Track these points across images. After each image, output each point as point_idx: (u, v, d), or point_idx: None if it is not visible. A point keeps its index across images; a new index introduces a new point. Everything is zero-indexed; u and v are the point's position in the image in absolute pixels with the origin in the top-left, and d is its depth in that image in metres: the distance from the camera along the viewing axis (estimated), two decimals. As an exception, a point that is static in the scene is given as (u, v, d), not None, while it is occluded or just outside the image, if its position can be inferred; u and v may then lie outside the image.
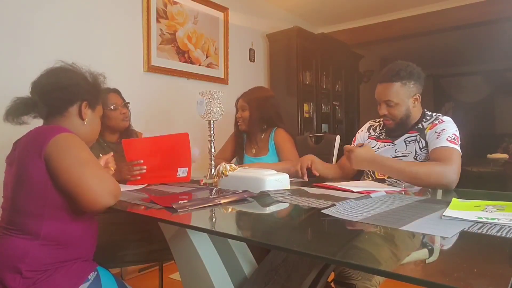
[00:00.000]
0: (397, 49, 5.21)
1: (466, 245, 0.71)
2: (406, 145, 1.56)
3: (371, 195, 1.13)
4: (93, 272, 1.08)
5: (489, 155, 4.32)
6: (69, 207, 1.06)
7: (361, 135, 1.78)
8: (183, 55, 2.88)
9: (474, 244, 0.71)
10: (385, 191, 1.21)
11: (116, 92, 1.85)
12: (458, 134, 1.47)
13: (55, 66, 1.18)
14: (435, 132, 1.47)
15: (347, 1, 3.78)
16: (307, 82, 3.79)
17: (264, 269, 1.23)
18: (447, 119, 1.52)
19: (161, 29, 2.70)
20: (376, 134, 1.70)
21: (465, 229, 0.75)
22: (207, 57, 3.09)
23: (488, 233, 0.72)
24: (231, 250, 1.26)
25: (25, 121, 1.14)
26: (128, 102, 1.87)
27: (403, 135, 1.58)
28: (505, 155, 4.29)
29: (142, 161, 1.55)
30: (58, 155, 1.01)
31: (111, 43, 2.42)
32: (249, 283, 1.23)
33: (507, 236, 0.70)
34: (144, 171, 1.54)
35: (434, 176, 1.31)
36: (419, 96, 1.55)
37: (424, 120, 1.56)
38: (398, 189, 1.29)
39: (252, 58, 3.60)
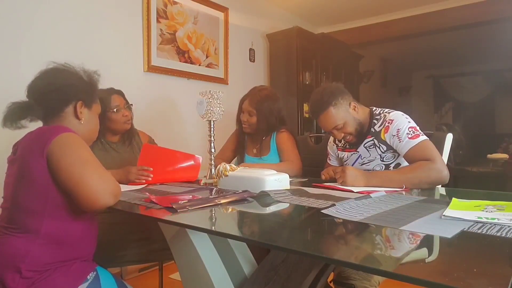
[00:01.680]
0: (397, 49, 5.22)
1: (466, 245, 0.71)
2: (368, 151, 1.58)
3: (371, 195, 1.13)
4: (92, 272, 1.08)
5: (489, 155, 4.32)
6: (69, 207, 1.06)
7: (331, 147, 1.80)
8: (183, 55, 2.88)
9: (474, 244, 0.70)
10: (385, 191, 1.22)
11: (119, 93, 1.84)
12: (413, 123, 1.47)
13: (48, 67, 1.18)
14: (393, 136, 1.47)
15: (347, 1, 3.78)
16: (307, 82, 3.78)
17: (264, 269, 1.23)
18: (394, 115, 1.52)
19: (161, 29, 2.70)
20: (342, 144, 1.72)
21: (465, 229, 0.75)
22: (207, 57, 3.09)
23: (488, 233, 0.72)
24: (231, 250, 1.26)
25: (23, 125, 1.14)
26: (131, 104, 1.87)
27: (362, 141, 1.59)
28: (505, 155, 4.28)
29: (151, 168, 1.57)
30: (60, 153, 1.01)
31: (111, 43, 2.42)
32: (249, 283, 1.23)
33: (507, 236, 0.70)
34: (150, 179, 1.57)
35: (424, 177, 1.33)
36: (354, 103, 1.57)
37: (374, 121, 1.57)
38: (398, 189, 1.29)
39: (252, 58, 3.60)
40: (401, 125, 1.47)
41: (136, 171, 1.55)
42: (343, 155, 1.70)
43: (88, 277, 1.06)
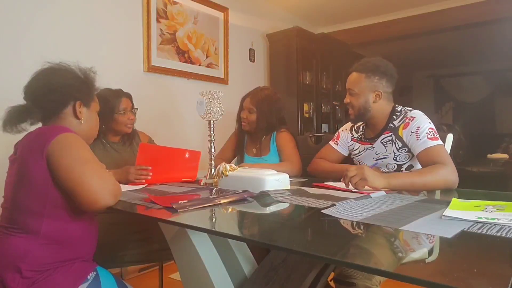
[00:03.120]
0: (397, 49, 5.21)
1: (466, 245, 0.71)
2: (385, 146, 1.56)
3: (371, 195, 1.13)
4: (92, 272, 1.08)
5: (489, 155, 4.32)
6: (69, 207, 1.06)
7: (345, 134, 1.76)
8: (183, 55, 2.88)
9: (474, 244, 0.70)
10: (385, 191, 1.21)
11: (128, 97, 1.86)
12: (433, 125, 1.46)
13: (43, 68, 1.17)
14: (412, 132, 1.46)
15: (347, 1, 3.78)
16: (307, 82, 3.78)
17: (264, 269, 1.23)
18: (416, 114, 1.51)
19: (161, 29, 2.70)
20: (358, 136, 1.70)
21: (465, 229, 0.75)
22: (207, 57, 3.09)
23: (488, 233, 0.72)
24: (231, 250, 1.27)
25: (23, 128, 1.13)
26: (137, 108, 1.88)
27: (379, 136, 1.57)
28: (505, 155, 4.29)
29: (150, 167, 1.58)
30: (60, 154, 1.02)
31: (111, 43, 2.42)
32: (249, 283, 1.23)
33: (507, 236, 0.70)
34: (150, 177, 1.57)
35: (441, 181, 1.30)
36: (381, 93, 1.54)
37: (394, 117, 1.55)
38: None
39: (252, 58, 3.60)
40: (422, 123, 1.45)
41: (135, 171, 1.55)
42: (357, 146, 1.67)
43: (88, 277, 1.06)
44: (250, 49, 3.58)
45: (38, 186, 1.03)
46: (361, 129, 1.70)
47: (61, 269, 1.04)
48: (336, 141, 1.78)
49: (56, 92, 1.13)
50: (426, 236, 0.73)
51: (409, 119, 1.50)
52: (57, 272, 1.03)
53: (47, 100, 1.13)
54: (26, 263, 1.00)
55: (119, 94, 1.82)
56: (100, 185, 1.02)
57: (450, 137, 1.60)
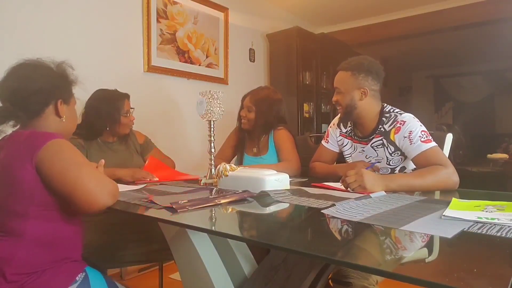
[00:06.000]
0: (397, 49, 5.21)
1: (466, 245, 0.71)
2: (375, 151, 1.55)
3: (371, 195, 1.13)
4: (81, 273, 1.06)
5: (489, 155, 4.32)
6: (54, 207, 1.04)
7: (333, 130, 1.75)
8: (183, 55, 2.88)
9: (474, 244, 0.70)
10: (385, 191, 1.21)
11: (128, 98, 1.88)
12: (424, 128, 1.45)
13: (19, 65, 1.14)
14: (404, 137, 1.44)
15: (347, 1, 3.78)
16: (307, 82, 3.79)
17: (264, 269, 1.23)
18: (406, 117, 1.49)
19: (161, 29, 2.70)
20: (347, 131, 1.68)
21: (465, 229, 0.75)
22: (207, 57, 3.09)
23: (488, 233, 0.72)
24: (231, 250, 1.26)
25: (2, 130, 1.11)
26: (133, 108, 1.89)
27: (368, 138, 1.57)
28: (505, 155, 4.28)
29: (157, 178, 1.64)
30: (52, 159, 1.00)
31: (111, 43, 2.42)
32: (249, 283, 1.23)
33: (507, 236, 0.70)
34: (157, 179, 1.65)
35: (442, 182, 1.29)
36: (367, 90, 1.52)
37: (384, 119, 1.53)
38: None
39: (252, 58, 3.60)
40: (413, 127, 1.44)
41: (141, 174, 1.63)
42: (346, 142, 1.67)
43: (77, 278, 1.04)
44: (250, 49, 3.58)
45: (23, 189, 1.00)
46: (349, 124, 1.68)
47: (49, 271, 1.02)
48: (326, 140, 1.78)
49: (38, 93, 1.10)
50: (426, 236, 0.73)
51: (400, 123, 1.48)
52: (44, 275, 1.01)
53: (30, 102, 1.10)
54: (12, 267, 0.98)
55: (122, 95, 1.84)
56: (97, 185, 1.01)
57: (449, 137, 1.60)
